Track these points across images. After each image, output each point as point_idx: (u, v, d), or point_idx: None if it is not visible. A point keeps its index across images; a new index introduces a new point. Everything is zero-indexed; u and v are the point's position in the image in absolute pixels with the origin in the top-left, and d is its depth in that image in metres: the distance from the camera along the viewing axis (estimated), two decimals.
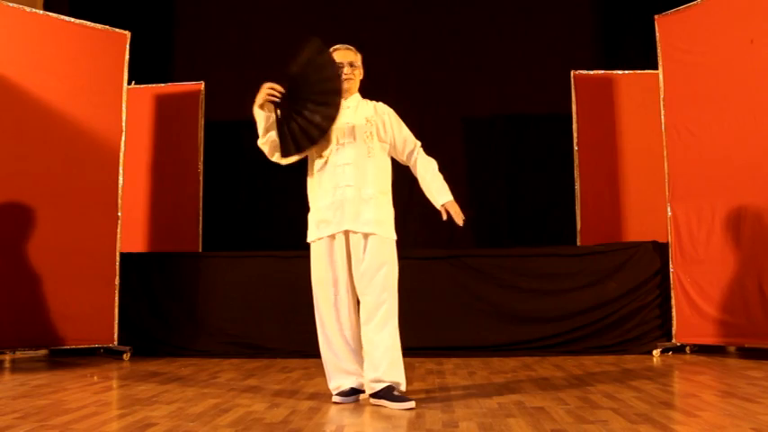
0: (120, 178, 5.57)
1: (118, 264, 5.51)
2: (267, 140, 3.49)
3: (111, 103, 5.57)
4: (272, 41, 7.16)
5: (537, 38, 7.20)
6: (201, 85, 6.73)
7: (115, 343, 5.46)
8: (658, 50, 5.53)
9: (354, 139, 3.50)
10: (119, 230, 5.53)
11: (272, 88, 3.40)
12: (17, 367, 5.04)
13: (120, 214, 5.55)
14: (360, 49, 3.67)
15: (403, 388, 3.40)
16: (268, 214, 7.15)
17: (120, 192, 5.56)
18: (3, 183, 5.00)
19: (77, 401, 3.54)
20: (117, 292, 5.49)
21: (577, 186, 6.37)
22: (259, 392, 3.82)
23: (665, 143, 5.46)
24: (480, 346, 5.44)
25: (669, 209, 5.42)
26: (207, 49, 7.39)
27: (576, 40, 7.21)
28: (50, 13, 5.48)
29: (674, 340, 5.34)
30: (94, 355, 5.57)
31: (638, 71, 6.34)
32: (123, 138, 5.60)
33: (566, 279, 5.59)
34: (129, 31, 5.73)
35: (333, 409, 3.33)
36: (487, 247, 6.80)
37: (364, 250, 3.41)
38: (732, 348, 5.35)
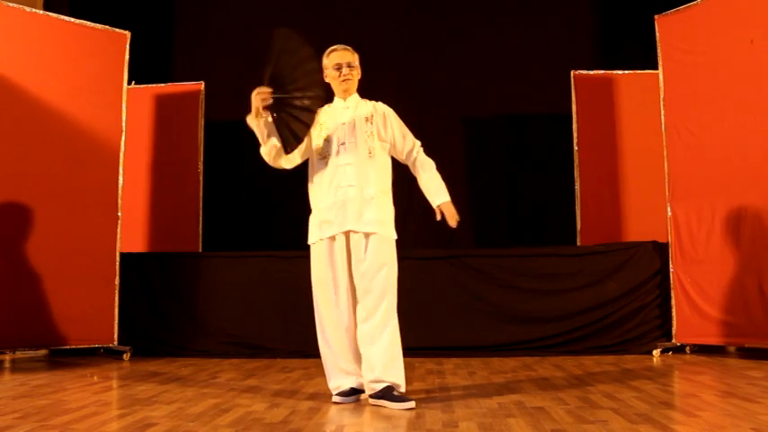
0: (120, 178, 5.58)
1: (118, 264, 5.51)
2: (270, 147, 3.46)
3: (111, 103, 5.57)
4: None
5: (537, 38, 7.20)
6: (201, 85, 6.73)
7: (115, 343, 5.46)
8: (658, 50, 5.53)
9: (355, 139, 3.50)
10: (119, 230, 5.53)
11: (260, 93, 3.35)
12: (17, 367, 5.04)
13: (120, 214, 5.56)
14: (360, 49, 3.67)
15: (402, 389, 3.39)
16: (268, 214, 7.15)
17: (120, 192, 5.56)
18: (3, 183, 5.00)
19: (77, 401, 3.54)
20: (117, 292, 5.50)
21: (577, 186, 6.37)
22: (259, 392, 3.82)
23: (665, 143, 5.46)
24: (480, 346, 5.44)
25: (669, 209, 5.42)
26: (207, 49, 7.38)
27: (576, 40, 7.21)
28: (50, 13, 5.48)
29: (674, 340, 5.34)
30: (94, 355, 5.57)
31: (638, 71, 6.34)
32: (123, 138, 5.60)
33: (566, 279, 5.60)
34: (129, 31, 5.74)
35: (333, 409, 3.33)
36: (487, 247, 6.80)
37: (365, 250, 3.41)
38: (732, 348, 5.35)
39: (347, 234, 3.44)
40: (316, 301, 3.53)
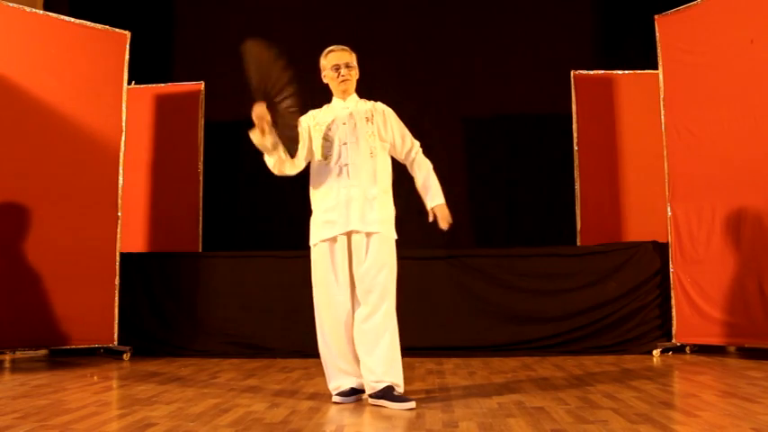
0: (120, 178, 5.57)
1: (118, 264, 5.51)
2: (277, 158, 3.43)
3: (111, 103, 5.57)
4: (272, 41, 7.15)
5: (537, 38, 7.20)
6: (201, 85, 6.73)
7: (115, 343, 5.46)
8: (658, 50, 5.53)
9: (356, 139, 3.50)
10: (119, 230, 5.53)
11: (261, 112, 3.26)
12: (17, 367, 5.04)
13: (120, 214, 5.56)
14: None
15: (401, 389, 3.40)
16: (268, 214, 7.15)
17: (120, 192, 5.56)
18: (3, 183, 5.00)
19: (77, 401, 3.54)
20: (117, 292, 5.50)
21: (577, 186, 6.37)
22: (259, 392, 3.82)
23: (665, 143, 5.46)
24: (480, 346, 5.44)
25: (669, 209, 5.42)
26: (207, 49, 7.38)
27: (575, 40, 7.21)
28: (50, 13, 5.48)
29: (674, 340, 5.34)
30: (94, 355, 5.57)
31: (638, 71, 6.34)
32: (123, 138, 5.60)
33: (566, 279, 5.59)
34: (129, 31, 5.74)
35: (333, 409, 3.33)
36: (487, 247, 6.80)
37: (366, 251, 3.41)
38: (732, 348, 5.35)
39: (349, 235, 3.44)
40: (316, 301, 3.53)
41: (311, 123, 3.59)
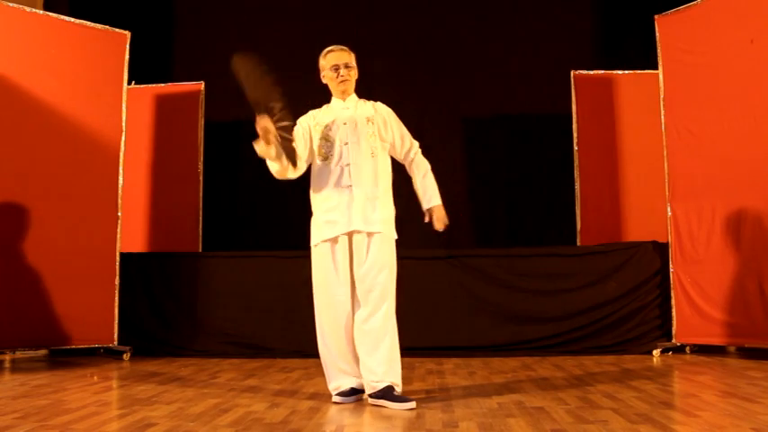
0: (120, 178, 5.58)
1: (118, 264, 5.51)
2: (284, 165, 3.42)
3: (111, 103, 5.57)
4: (271, 42, 7.16)
5: (537, 38, 7.20)
6: (201, 85, 6.73)
7: (115, 343, 5.46)
8: (658, 50, 5.53)
9: (358, 139, 3.50)
10: (119, 230, 5.53)
11: (266, 124, 3.25)
12: (17, 367, 5.04)
13: (120, 214, 5.56)
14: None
15: (400, 389, 3.40)
16: (268, 214, 7.14)
17: (120, 192, 5.56)
18: (3, 183, 5.00)
19: (77, 401, 3.54)
20: (117, 292, 5.50)
21: (577, 186, 6.37)
22: (259, 392, 3.82)
23: (665, 143, 5.46)
24: (480, 346, 5.44)
25: (669, 209, 5.42)
26: (207, 49, 7.37)
27: (575, 40, 7.21)
28: (50, 13, 5.48)
29: (674, 340, 5.34)
30: (94, 355, 5.57)
31: (638, 71, 6.34)
32: (123, 138, 5.60)
33: (566, 279, 5.59)
34: (129, 31, 5.74)
35: (333, 409, 3.33)
36: (487, 247, 6.80)
37: (367, 251, 3.42)
38: (732, 348, 5.35)
39: (350, 235, 3.44)
40: (316, 302, 3.52)
41: (311, 123, 3.59)
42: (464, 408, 3.28)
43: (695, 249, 5.24)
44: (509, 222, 7.23)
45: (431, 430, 2.83)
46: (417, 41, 7.25)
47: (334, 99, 3.65)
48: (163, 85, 6.81)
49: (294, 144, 3.41)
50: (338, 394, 3.49)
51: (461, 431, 2.80)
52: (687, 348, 5.35)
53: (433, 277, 5.61)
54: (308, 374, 4.47)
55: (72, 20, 5.50)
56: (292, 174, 3.50)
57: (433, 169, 3.69)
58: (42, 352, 5.62)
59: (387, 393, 3.35)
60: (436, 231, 3.63)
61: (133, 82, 6.02)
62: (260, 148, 3.32)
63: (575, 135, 6.41)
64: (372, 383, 3.38)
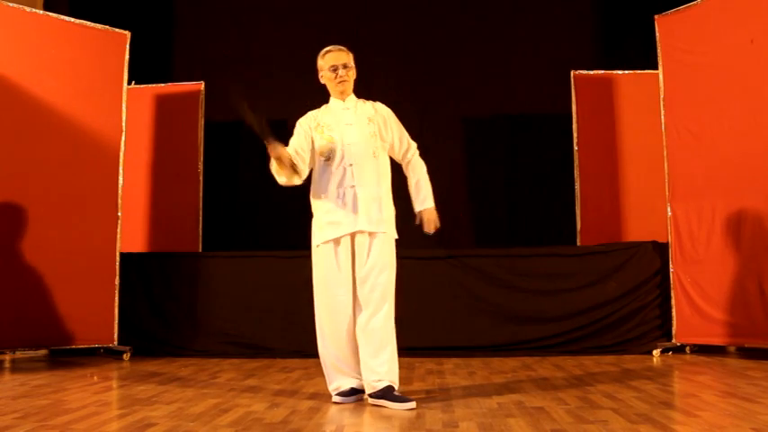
0: (120, 178, 5.58)
1: (118, 264, 5.51)
2: (291, 179, 3.47)
3: (111, 103, 5.57)
4: (271, 42, 7.16)
5: (537, 38, 7.20)
6: (201, 85, 6.73)
7: (115, 343, 5.46)
8: (658, 50, 5.53)
9: (360, 139, 3.51)
10: (119, 230, 5.53)
11: (281, 155, 3.34)
12: (17, 367, 5.04)
13: (120, 214, 5.56)
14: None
15: (397, 389, 3.40)
16: (268, 214, 7.14)
17: (120, 192, 5.56)
18: (3, 183, 5.00)
19: (77, 401, 3.54)
20: (117, 292, 5.50)
21: (577, 186, 6.37)
22: (259, 392, 3.82)
23: (665, 143, 5.46)
24: (480, 346, 5.44)
25: (669, 209, 5.42)
26: (207, 49, 7.38)
27: (575, 40, 7.21)
28: (50, 13, 5.48)
29: (674, 340, 5.34)
30: (94, 355, 5.57)
31: (638, 71, 6.34)
32: (123, 138, 5.60)
33: (566, 279, 5.59)
34: (129, 31, 5.74)
35: (333, 409, 3.33)
36: (487, 247, 6.80)
37: (369, 251, 3.42)
38: (732, 348, 5.35)
39: (353, 235, 3.44)
40: (317, 302, 3.52)
41: (312, 125, 3.59)
42: (464, 408, 3.28)
43: (695, 249, 5.24)
44: (509, 222, 7.23)
45: (431, 430, 2.83)
46: (417, 41, 7.25)
47: (332, 99, 3.65)
48: (163, 85, 6.81)
49: (295, 160, 3.45)
50: (338, 394, 3.49)
51: (461, 431, 2.80)
52: (687, 348, 5.35)
53: (433, 277, 5.61)
54: (307, 374, 4.47)
55: (72, 20, 5.50)
56: (297, 180, 3.52)
57: (433, 169, 3.69)
58: (42, 352, 5.62)
59: (387, 393, 3.35)
60: (437, 231, 3.62)
61: (133, 82, 6.02)
62: (274, 168, 3.44)
63: (575, 135, 6.41)
64: (373, 383, 3.38)
